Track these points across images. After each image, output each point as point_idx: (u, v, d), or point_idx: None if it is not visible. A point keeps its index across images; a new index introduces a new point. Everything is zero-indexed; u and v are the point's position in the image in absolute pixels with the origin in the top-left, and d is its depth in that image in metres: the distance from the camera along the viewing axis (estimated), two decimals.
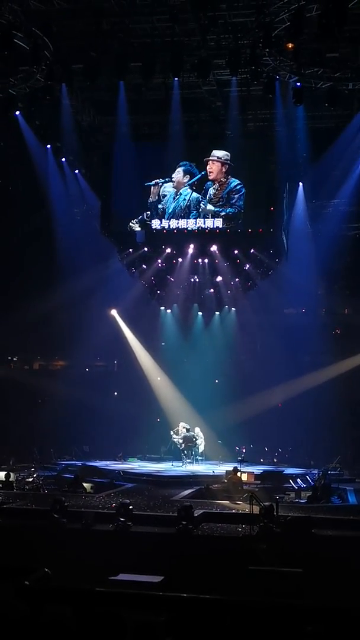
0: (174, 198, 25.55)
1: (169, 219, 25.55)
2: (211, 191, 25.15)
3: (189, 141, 25.17)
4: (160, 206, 25.62)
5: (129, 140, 25.49)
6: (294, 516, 15.45)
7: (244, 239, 26.24)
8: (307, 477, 23.25)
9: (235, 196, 24.92)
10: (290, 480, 22.68)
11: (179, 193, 25.55)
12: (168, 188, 25.63)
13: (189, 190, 25.42)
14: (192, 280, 30.15)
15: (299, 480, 22.70)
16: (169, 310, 32.83)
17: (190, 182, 25.40)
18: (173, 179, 25.57)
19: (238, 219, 25.02)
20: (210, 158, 25.15)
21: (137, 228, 25.96)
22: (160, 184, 25.62)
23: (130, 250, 28.07)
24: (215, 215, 25.08)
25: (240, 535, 14.42)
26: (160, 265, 28.85)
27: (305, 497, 20.19)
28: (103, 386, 32.80)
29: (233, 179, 25.03)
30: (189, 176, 25.45)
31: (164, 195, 25.63)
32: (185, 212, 25.43)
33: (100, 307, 31.07)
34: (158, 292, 31.20)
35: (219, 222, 25.08)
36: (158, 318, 32.94)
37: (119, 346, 32.58)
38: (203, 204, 25.20)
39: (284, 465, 27.41)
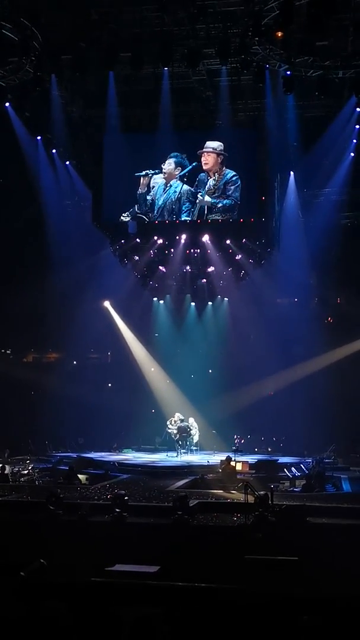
0: (163, 190, 25.43)
1: (159, 211, 25.44)
2: (211, 182, 24.98)
3: (180, 132, 25.03)
4: (149, 197, 25.47)
5: (119, 132, 25.36)
6: (289, 505, 15.48)
7: (235, 229, 26.21)
8: (302, 465, 23.33)
9: (231, 187, 24.79)
10: (285, 469, 22.74)
11: (169, 185, 25.43)
12: (158, 179, 25.51)
13: (179, 183, 25.29)
14: (185, 270, 30.09)
15: (293, 469, 22.76)
16: (161, 301, 32.80)
17: (181, 174, 25.28)
18: (164, 170, 25.44)
19: (234, 210, 24.92)
20: (205, 150, 25.01)
21: (126, 219, 25.89)
22: (150, 175, 25.51)
23: (122, 241, 28.01)
24: (213, 206, 24.93)
25: (236, 524, 14.44)
26: (152, 256, 28.79)
27: (299, 485, 20.23)
28: (97, 378, 32.79)
29: (228, 170, 24.88)
30: (180, 168, 25.32)
31: (153, 187, 25.52)
32: (176, 205, 25.31)
33: (93, 299, 30.99)
34: (150, 283, 31.15)
35: (217, 216, 24.94)
36: (151, 309, 32.89)
37: (113, 338, 32.53)
38: (201, 195, 25.04)
39: (278, 455, 27.48)
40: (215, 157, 24.97)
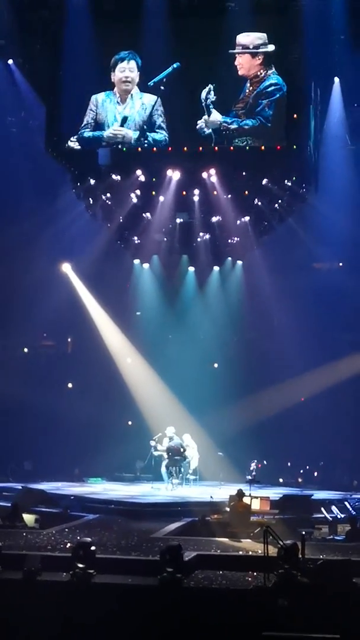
0: (120, 106, 25.52)
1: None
2: (247, 90, 24.94)
3: (174, 18, 24.87)
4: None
5: (86, 18, 25.22)
6: (327, 559, 15.54)
7: (254, 161, 26.12)
8: (346, 503, 23.44)
9: (264, 102, 24.68)
10: (322, 509, 22.85)
11: (129, 98, 25.49)
12: (101, 97, 25.75)
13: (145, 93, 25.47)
14: (180, 220, 30.05)
15: (334, 508, 22.89)
16: (146, 265, 32.79)
17: (155, 81, 25.21)
18: (123, 77, 25.58)
19: (259, 134, 24.83)
20: (236, 51, 24.83)
21: (76, 147, 25.84)
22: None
23: (91, 180, 27.94)
24: (225, 129, 24.87)
25: (251, 587, 14.51)
26: (134, 199, 28.76)
27: (343, 532, 20.36)
28: (52, 375, 32.84)
29: (273, 76, 24.75)
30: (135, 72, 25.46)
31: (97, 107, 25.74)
32: (149, 122, 25.37)
33: (46, 262, 30.96)
34: (130, 238, 31.12)
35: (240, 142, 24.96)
36: (131, 276, 32.92)
37: (75, 317, 32.53)
38: (207, 113, 24.92)
39: (312, 488, 27.61)
40: (250, 57, 24.80)
